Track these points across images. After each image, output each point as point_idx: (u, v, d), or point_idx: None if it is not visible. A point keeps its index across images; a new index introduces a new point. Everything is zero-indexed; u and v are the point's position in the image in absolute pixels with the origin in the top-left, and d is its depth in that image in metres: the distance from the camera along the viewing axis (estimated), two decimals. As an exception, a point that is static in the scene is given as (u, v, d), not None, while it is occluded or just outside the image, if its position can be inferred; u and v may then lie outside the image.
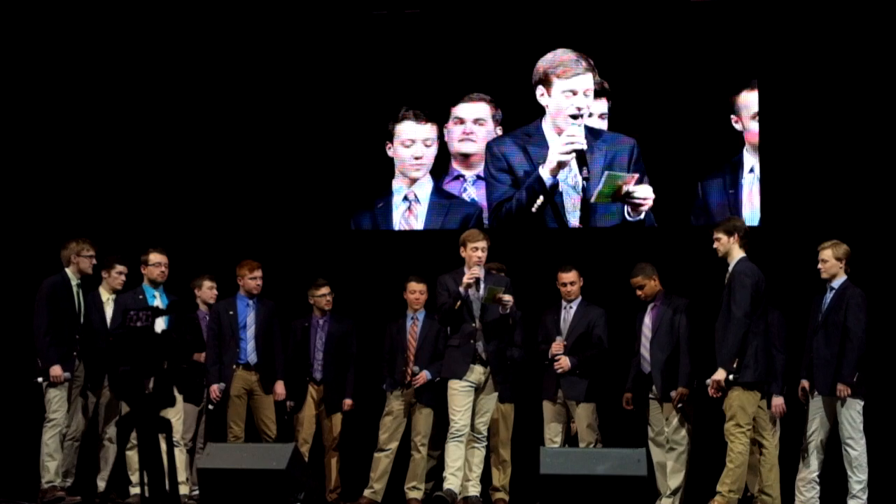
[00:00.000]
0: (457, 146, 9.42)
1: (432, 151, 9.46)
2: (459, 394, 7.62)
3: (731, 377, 7.13)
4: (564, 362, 8.08)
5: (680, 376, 7.80)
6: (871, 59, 8.76)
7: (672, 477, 7.80)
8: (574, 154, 9.11)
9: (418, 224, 9.46)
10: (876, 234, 8.54)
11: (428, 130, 9.45)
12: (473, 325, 7.66)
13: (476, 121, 9.39)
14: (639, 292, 8.00)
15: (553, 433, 8.15)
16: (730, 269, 7.30)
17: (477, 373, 7.67)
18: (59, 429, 7.85)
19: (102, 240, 8.65)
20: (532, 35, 9.25)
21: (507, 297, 7.58)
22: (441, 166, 9.44)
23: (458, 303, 7.63)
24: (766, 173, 8.93)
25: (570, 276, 8.24)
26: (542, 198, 9.16)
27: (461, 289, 7.60)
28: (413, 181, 9.47)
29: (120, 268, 8.16)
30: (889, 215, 8.68)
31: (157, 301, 7.91)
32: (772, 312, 7.58)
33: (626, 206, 9.06)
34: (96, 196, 9.40)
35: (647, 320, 7.99)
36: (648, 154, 9.08)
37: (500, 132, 9.37)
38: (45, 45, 9.42)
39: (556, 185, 9.14)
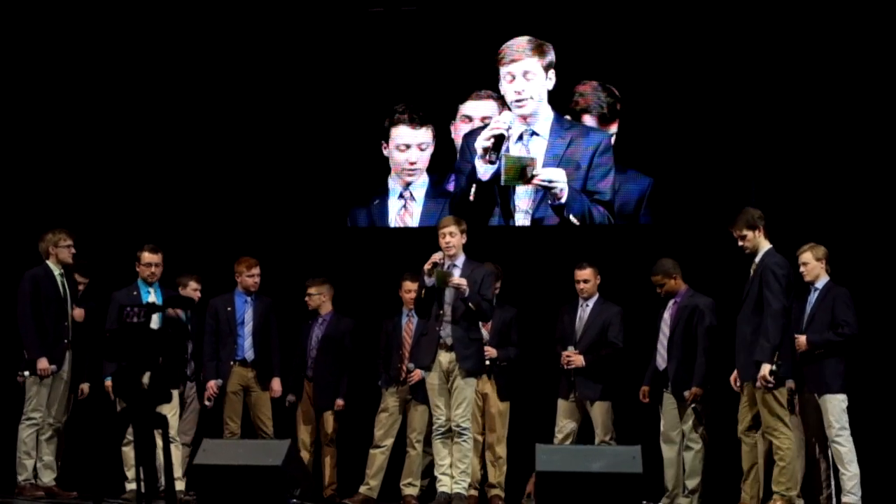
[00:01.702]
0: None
1: (427, 154, 9.45)
2: (435, 389, 7.53)
3: (774, 368, 6.97)
4: (577, 359, 8.06)
5: (695, 376, 7.76)
6: (861, 60, 8.79)
7: (690, 478, 7.80)
8: (493, 140, 9.10)
9: (413, 221, 9.46)
10: (863, 233, 8.60)
11: (423, 134, 9.44)
12: (441, 311, 7.55)
13: (484, 119, 9.37)
14: (658, 290, 7.97)
15: (565, 431, 8.11)
16: (757, 260, 7.17)
17: (444, 360, 7.52)
18: (37, 426, 7.84)
19: (95, 236, 8.67)
20: (529, 30, 9.24)
21: (458, 280, 7.44)
22: (446, 164, 9.43)
23: (423, 291, 7.52)
24: (759, 175, 8.96)
25: (584, 274, 8.19)
26: (475, 185, 9.14)
27: (425, 277, 7.51)
28: (407, 184, 9.46)
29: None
30: (875, 215, 8.72)
31: (152, 296, 7.90)
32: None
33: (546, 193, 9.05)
34: (91, 193, 9.39)
35: (667, 316, 7.96)
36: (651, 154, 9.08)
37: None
38: (40, 42, 9.41)
39: (496, 173, 9.11)
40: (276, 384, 8.44)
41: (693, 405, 7.78)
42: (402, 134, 9.45)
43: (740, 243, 7.21)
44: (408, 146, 9.44)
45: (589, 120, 9.18)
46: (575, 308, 8.25)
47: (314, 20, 9.43)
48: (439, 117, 9.44)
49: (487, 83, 9.35)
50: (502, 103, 9.32)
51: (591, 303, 8.22)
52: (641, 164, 9.12)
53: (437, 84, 9.38)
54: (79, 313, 8.06)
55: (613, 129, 9.15)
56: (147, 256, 7.99)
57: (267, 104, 9.48)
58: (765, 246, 7.20)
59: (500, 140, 9.07)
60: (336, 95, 9.45)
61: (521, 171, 8.99)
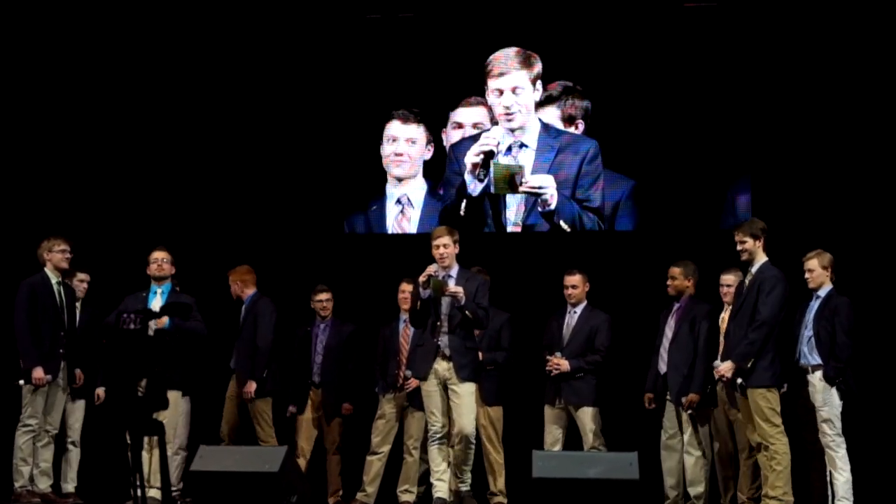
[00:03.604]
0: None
1: (417, 150, 9.45)
2: (431, 396, 7.55)
3: (738, 381, 7.17)
4: (563, 365, 8.05)
5: (693, 382, 7.74)
6: (861, 65, 8.82)
7: (693, 486, 7.77)
8: (482, 156, 9.08)
9: (411, 227, 9.46)
10: (863, 237, 8.62)
11: (413, 130, 9.45)
12: (438, 322, 7.57)
13: (475, 125, 9.39)
14: (669, 282, 7.95)
15: (552, 437, 8.11)
16: (753, 270, 7.29)
17: (441, 369, 7.53)
18: (33, 433, 7.83)
19: (90, 243, 8.68)
20: (525, 39, 9.24)
21: (454, 289, 7.45)
22: (441, 171, 9.44)
23: (419, 302, 7.54)
24: (757, 179, 8.98)
25: (573, 280, 8.21)
26: (465, 201, 9.15)
27: (420, 289, 7.54)
28: (399, 180, 9.45)
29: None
30: (876, 220, 8.75)
31: (157, 299, 7.90)
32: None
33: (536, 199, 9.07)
34: (88, 201, 9.39)
35: (671, 321, 7.95)
36: (648, 159, 9.11)
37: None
38: (44, 46, 9.40)
39: (487, 189, 9.11)
40: (249, 386, 8.35)
41: (689, 412, 7.77)
42: (392, 128, 9.47)
43: (739, 247, 7.34)
44: (396, 138, 9.45)
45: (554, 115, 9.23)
46: (563, 315, 8.26)
47: (312, 27, 9.43)
48: (437, 123, 9.45)
49: (482, 90, 9.35)
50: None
51: (578, 309, 8.23)
52: (624, 167, 9.16)
53: (435, 90, 9.38)
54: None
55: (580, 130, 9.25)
56: (154, 255, 8.02)
57: (264, 111, 9.48)
58: (762, 258, 7.33)
59: (489, 156, 9.07)
60: (333, 102, 9.45)
61: (510, 179, 9.00)
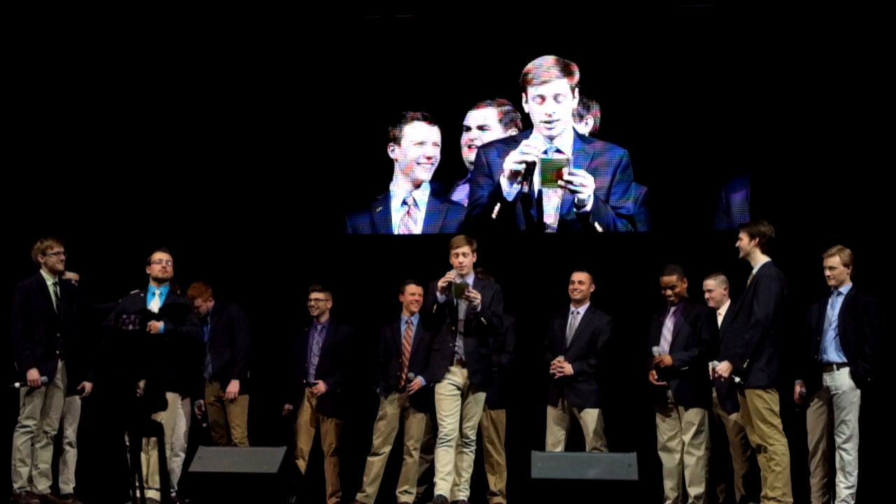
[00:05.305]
0: (463, 153, 9.45)
1: (438, 152, 9.47)
2: (446, 399, 7.61)
3: (736, 379, 7.16)
4: (567, 368, 8.04)
5: (680, 354, 7.72)
6: (861, 64, 8.81)
7: (693, 486, 7.76)
8: (525, 165, 9.09)
9: (417, 228, 9.46)
10: (863, 236, 8.55)
11: (436, 133, 9.47)
12: (453, 328, 7.64)
13: (480, 127, 9.40)
14: (669, 292, 7.91)
15: (555, 438, 8.11)
16: (753, 272, 7.28)
17: (458, 375, 7.63)
18: (31, 434, 7.83)
19: (91, 244, 8.68)
20: (528, 41, 9.25)
21: (474, 293, 7.52)
22: (449, 172, 9.46)
23: (435, 307, 7.62)
24: (756, 178, 8.98)
25: (579, 276, 8.20)
26: (499, 205, 9.14)
27: (437, 293, 7.60)
28: (417, 184, 9.45)
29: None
30: (876, 219, 8.75)
31: (156, 300, 7.90)
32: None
33: (573, 198, 9.04)
34: (87, 202, 9.41)
35: (669, 323, 7.92)
36: (647, 161, 9.11)
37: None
38: (41, 46, 9.41)
39: (521, 194, 9.10)
40: (232, 385, 8.44)
41: (657, 364, 7.74)
42: (418, 129, 9.47)
43: (737, 244, 7.35)
44: (424, 142, 9.46)
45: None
46: (566, 315, 8.25)
47: (311, 28, 9.43)
48: (442, 123, 9.45)
49: (486, 91, 9.37)
50: (504, 112, 9.33)
51: (581, 310, 8.22)
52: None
53: (434, 91, 9.38)
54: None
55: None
56: (156, 255, 8.00)
57: (267, 112, 9.48)
58: (762, 259, 7.30)
59: (532, 167, 9.05)
60: (333, 103, 9.44)
61: (557, 171, 8.98)
